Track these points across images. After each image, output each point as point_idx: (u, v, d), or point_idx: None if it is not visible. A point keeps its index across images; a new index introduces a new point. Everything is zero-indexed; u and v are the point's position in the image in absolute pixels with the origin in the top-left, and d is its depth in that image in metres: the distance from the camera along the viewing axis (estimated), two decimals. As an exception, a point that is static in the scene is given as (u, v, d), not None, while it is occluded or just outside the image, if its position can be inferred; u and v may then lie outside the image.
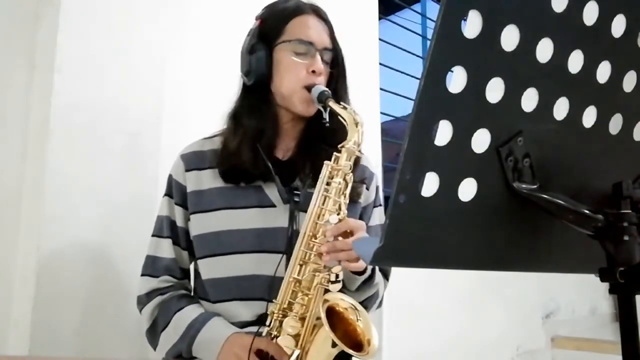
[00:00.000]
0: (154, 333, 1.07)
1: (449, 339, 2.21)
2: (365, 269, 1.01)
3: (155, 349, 1.07)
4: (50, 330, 1.19)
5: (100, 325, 1.27)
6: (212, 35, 1.58)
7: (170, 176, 1.12)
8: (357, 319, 0.94)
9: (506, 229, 0.54)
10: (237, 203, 1.06)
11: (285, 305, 0.96)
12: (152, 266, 1.10)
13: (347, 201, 0.98)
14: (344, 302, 0.96)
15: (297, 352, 0.93)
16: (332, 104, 1.00)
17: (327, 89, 1.02)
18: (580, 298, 3.02)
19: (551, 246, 0.58)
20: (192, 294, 1.14)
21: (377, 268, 1.08)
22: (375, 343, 0.92)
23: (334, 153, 0.99)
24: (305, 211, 0.98)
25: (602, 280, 0.52)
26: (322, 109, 1.02)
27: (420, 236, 0.48)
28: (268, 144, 1.08)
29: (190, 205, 1.08)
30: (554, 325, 2.81)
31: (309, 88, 1.03)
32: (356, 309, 0.95)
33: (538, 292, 2.76)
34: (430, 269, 0.50)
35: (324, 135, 1.05)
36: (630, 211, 0.52)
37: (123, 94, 1.35)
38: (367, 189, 1.16)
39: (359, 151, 1.00)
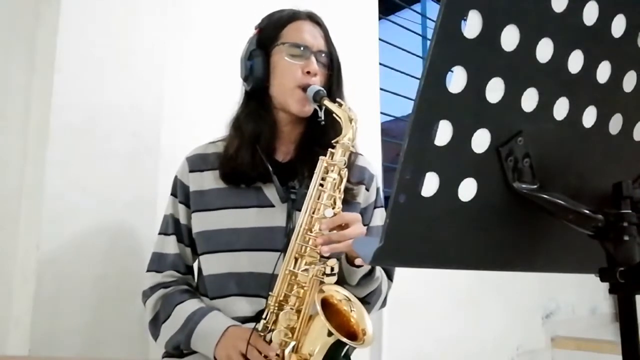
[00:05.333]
0: (155, 325, 1.09)
1: (449, 339, 2.21)
2: None
3: (156, 340, 1.10)
4: (50, 330, 1.19)
5: (101, 325, 1.27)
6: (212, 36, 1.59)
7: (175, 177, 1.16)
8: (351, 310, 0.96)
9: (506, 229, 0.54)
10: (237, 203, 1.09)
11: (281, 298, 0.97)
12: (157, 262, 1.13)
13: (342, 196, 1.00)
14: (338, 293, 0.98)
15: (292, 343, 0.95)
16: (326, 102, 1.02)
17: (322, 88, 1.05)
18: (580, 298, 3.02)
19: (551, 246, 0.58)
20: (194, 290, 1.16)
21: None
22: (370, 332, 0.94)
23: (329, 149, 1.01)
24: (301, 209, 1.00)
25: (602, 280, 0.52)
26: (317, 108, 1.05)
27: (420, 236, 0.48)
28: (267, 147, 1.11)
29: (192, 204, 1.12)
30: (554, 325, 2.81)
31: (304, 88, 1.06)
32: (350, 300, 0.97)
33: (538, 292, 2.77)
34: (431, 269, 0.50)
35: (321, 135, 1.08)
36: (630, 211, 0.52)
37: (123, 94, 1.35)
38: (367, 189, 1.18)
39: (353, 147, 1.02)
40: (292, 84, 1.07)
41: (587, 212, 0.51)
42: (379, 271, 1.10)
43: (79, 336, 1.24)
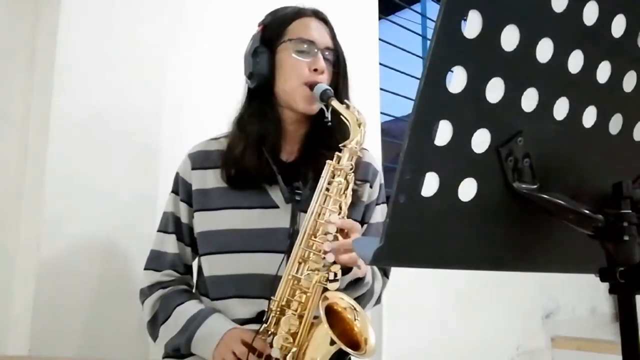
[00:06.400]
0: (154, 325, 1.08)
1: (449, 339, 2.21)
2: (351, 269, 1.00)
3: (154, 340, 1.09)
4: (50, 330, 1.19)
5: (101, 325, 1.27)
6: (213, 35, 1.58)
7: (177, 174, 1.14)
8: (355, 319, 0.95)
9: (506, 229, 0.54)
10: (241, 203, 1.07)
11: (283, 303, 0.97)
12: (156, 260, 1.12)
13: (348, 201, 0.99)
14: (343, 301, 0.97)
15: (294, 349, 0.94)
16: (334, 103, 1.01)
17: (329, 88, 1.04)
18: (580, 298, 3.01)
19: (551, 246, 0.58)
20: (193, 290, 1.15)
21: (369, 267, 1.07)
22: (373, 342, 0.92)
23: (336, 153, 1.00)
24: (306, 211, 0.99)
25: (602, 280, 0.52)
26: (324, 108, 1.03)
27: (420, 236, 0.48)
28: (273, 148, 1.09)
29: (194, 203, 1.10)
30: (554, 325, 2.81)
31: (311, 86, 1.05)
32: (355, 309, 0.96)
33: (538, 292, 2.76)
34: (431, 269, 0.50)
35: (326, 136, 1.07)
36: (630, 211, 0.52)
37: (123, 94, 1.35)
38: (371, 186, 1.17)
39: (362, 150, 1.01)
40: (298, 81, 1.06)
41: (587, 212, 0.51)
42: (370, 275, 1.08)
43: (79, 336, 1.23)
